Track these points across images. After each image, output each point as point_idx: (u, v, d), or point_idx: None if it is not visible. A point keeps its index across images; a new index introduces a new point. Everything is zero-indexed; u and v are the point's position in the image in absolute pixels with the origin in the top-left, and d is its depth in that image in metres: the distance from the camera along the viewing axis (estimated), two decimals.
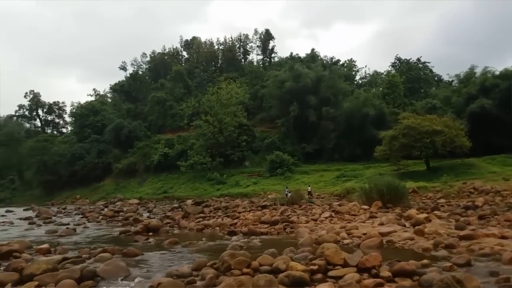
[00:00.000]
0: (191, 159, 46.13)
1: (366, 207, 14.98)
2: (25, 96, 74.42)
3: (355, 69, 69.85)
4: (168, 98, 62.36)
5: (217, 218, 16.06)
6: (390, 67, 61.46)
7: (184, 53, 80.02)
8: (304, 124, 45.63)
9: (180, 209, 21.29)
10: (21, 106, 75.83)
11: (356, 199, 16.45)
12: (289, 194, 23.78)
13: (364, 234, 9.55)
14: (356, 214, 14.03)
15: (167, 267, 7.08)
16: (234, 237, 11.01)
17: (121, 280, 6.18)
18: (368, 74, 70.46)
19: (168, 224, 15.22)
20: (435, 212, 13.41)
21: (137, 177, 53.42)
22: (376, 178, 18.82)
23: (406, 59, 60.07)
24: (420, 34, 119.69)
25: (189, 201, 27.69)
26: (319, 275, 5.74)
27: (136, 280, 6.05)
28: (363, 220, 12.55)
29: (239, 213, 17.15)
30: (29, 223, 18.42)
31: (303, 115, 45.24)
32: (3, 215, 25.02)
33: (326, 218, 13.66)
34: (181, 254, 8.66)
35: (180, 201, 31.94)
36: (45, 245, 9.24)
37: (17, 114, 77.29)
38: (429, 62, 60.61)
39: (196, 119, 48.50)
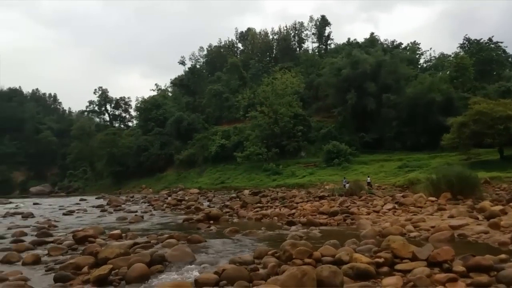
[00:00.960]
0: (247, 150, 46.78)
1: (433, 198, 14.10)
2: (94, 92, 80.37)
3: (419, 52, 65.38)
4: (224, 90, 63.62)
5: (274, 208, 16.14)
6: (459, 48, 56.70)
7: (239, 45, 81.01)
8: (363, 113, 44.01)
9: (238, 199, 21.76)
10: (91, 102, 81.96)
11: (422, 191, 15.53)
12: (347, 185, 23.17)
13: (433, 227, 8.98)
14: (422, 206, 13.27)
15: (230, 254, 7.26)
16: (293, 227, 10.98)
17: (188, 265, 6.45)
18: (434, 57, 65.67)
19: (227, 213, 15.61)
20: (511, 204, 12.25)
21: (196, 167, 55.50)
22: (445, 168, 17.60)
23: (476, 40, 54.93)
24: (491, 12, 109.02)
25: (246, 191, 28.14)
26: (385, 268, 5.50)
27: (201, 266, 6.27)
28: (431, 212, 11.82)
29: (297, 203, 17.07)
30: (101, 211, 19.98)
31: (361, 103, 43.60)
32: (77, 203, 27.42)
33: (389, 210, 13.10)
34: (242, 242, 8.83)
35: (237, 191, 32.61)
36: (117, 231, 9.96)
37: (87, 109, 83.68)
38: (501, 42, 54.70)
39: (251, 110, 48.89)
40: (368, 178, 26.69)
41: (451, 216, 10.63)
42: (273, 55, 73.56)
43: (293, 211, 14.57)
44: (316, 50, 71.69)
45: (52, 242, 9.42)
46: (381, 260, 5.61)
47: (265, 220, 13.38)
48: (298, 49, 73.16)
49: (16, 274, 6.09)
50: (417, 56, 64.05)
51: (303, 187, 33.23)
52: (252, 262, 6.19)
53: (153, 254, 6.58)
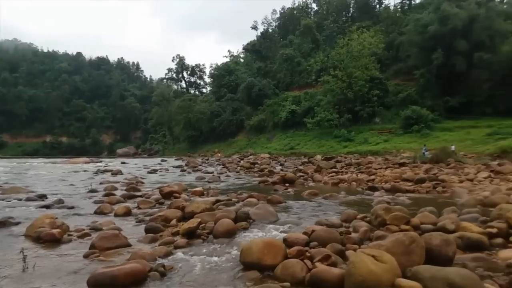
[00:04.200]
0: (317, 115, 45.68)
1: None
2: (172, 60, 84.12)
3: None
4: (296, 55, 62.02)
5: (351, 174, 15.46)
6: None
7: (314, 5, 77.51)
8: (450, 74, 39.82)
9: (311, 164, 21.33)
10: (169, 70, 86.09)
11: None
12: (427, 153, 21.53)
13: None
14: None
15: (313, 217, 6.97)
16: (377, 193, 10.30)
17: (271, 224, 6.31)
18: None
19: (302, 177, 15.32)
20: None
21: (266, 133, 56.02)
22: None
23: None
24: None
25: (318, 156, 27.61)
26: (499, 240, 4.76)
27: (286, 226, 6.09)
28: None
29: (375, 169, 16.16)
30: (181, 171, 21.10)
31: (448, 63, 39.36)
32: (159, 164, 29.39)
33: (485, 178, 11.69)
34: (324, 205, 8.48)
35: (307, 157, 32.15)
36: (199, 188, 10.25)
37: (166, 76, 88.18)
38: None
39: (324, 74, 47.06)
40: (453, 147, 24.36)
41: None
42: (350, 14, 69.22)
43: (372, 177, 13.78)
44: (398, 6, 65.52)
45: (140, 196, 10.01)
46: (494, 230, 4.86)
47: (342, 185, 12.84)
48: (378, 6, 67.68)
49: (110, 224, 6.47)
50: None
51: (376, 155, 31.63)
52: (340, 226, 5.83)
53: (237, 211, 6.56)
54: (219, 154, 52.37)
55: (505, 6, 53.27)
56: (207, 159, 35.82)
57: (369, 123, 44.84)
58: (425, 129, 37.14)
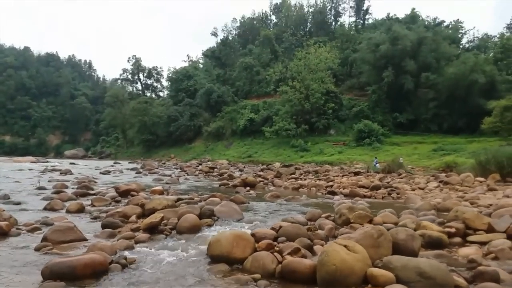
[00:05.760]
0: (276, 125, 46.27)
1: (481, 179, 13.27)
2: (128, 61, 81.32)
3: (462, 31, 61.59)
4: (256, 64, 62.68)
5: (311, 180, 15.74)
6: (505, 29, 53.08)
7: (273, 17, 79.02)
8: (399, 92, 42.24)
9: (271, 170, 21.47)
10: (124, 70, 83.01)
11: (468, 171, 14.65)
12: (378, 165, 22.56)
13: (490, 205, 8.33)
14: (470, 186, 12.49)
15: (278, 216, 6.96)
16: (336, 197, 10.55)
17: (236, 222, 6.19)
18: (477, 37, 61.75)
19: (262, 182, 15.34)
20: None
21: (224, 140, 55.73)
22: (496, 149, 16.59)
23: None
24: None
25: (277, 164, 27.87)
26: (457, 239, 5.01)
27: (252, 224, 6.01)
28: (482, 192, 11.07)
29: (333, 176, 16.59)
30: (136, 173, 20.28)
31: (398, 81, 41.79)
32: (112, 166, 28.10)
33: (435, 187, 12.42)
34: (286, 206, 8.51)
35: (266, 164, 32.36)
36: (158, 187, 9.88)
37: (121, 77, 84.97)
38: None
39: (282, 84, 47.93)
40: (401, 159, 25.72)
41: (506, 196, 9.90)
42: (308, 29, 71.34)
43: (331, 183, 14.13)
44: (353, 25, 68.77)
45: (93, 194, 9.45)
46: (453, 230, 5.12)
47: (303, 190, 13.01)
48: (334, 23, 70.52)
49: (62, 219, 6.03)
50: (459, 36, 60.35)
51: (331, 165, 32.62)
52: (306, 224, 5.86)
53: (202, 207, 6.37)
54: (174, 160, 51.20)
55: (450, 31, 57.96)
56: (164, 163, 34.86)
57: (325, 135, 46.20)
58: (376, 142, 38.85)
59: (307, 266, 3.60)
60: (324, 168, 23.09)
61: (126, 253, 4.22)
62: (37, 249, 4.35)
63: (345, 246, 3.52)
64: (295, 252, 4.12)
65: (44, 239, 4.63)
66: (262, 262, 3.85)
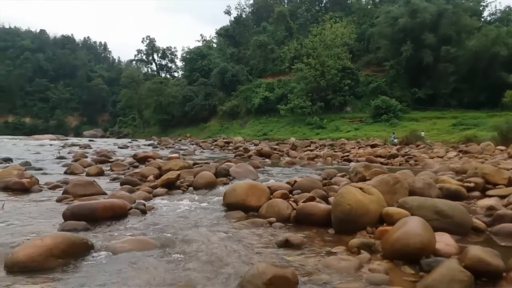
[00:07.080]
0: (291, 102, 45.88)
1: (502, 147, 12.94)
2: (142, 41, 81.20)
3: (484, 4, 58.84)
4: (270, 42, 61.75)
5: (326, 151, 15.65)
6: None
7: None
8: (418, 66, 41.03)
9: (286, 144, 21.45)
10: (139, 51, 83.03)
11: (489, 141, 14.31)
12: (396, 140, 22.27)
13: (511, 168, 8.14)
14: (490, 154, 12.21)
15: (294, 176, 6.97)
16: (352, 163, 10.47)
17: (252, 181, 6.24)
18: (499, 9, 58.95)
19: (277, 154, 15.33)
20: None
21: (239, 119, 55.75)
22: None
23: None
24: None
25: (293, 138, 27.77)
26: (476, 193, 4.92)
27: (270, 181, 6.04)
28: (502, 159, 10.81)
29: (349, 148, 16.46)
30: (153, 147, 20.58)
31: (417, 56, 40.53)
32: (129, 142, 28.62)
33: (454, 156, 12.18)
34: (302, 171, 8.52)
35: (281, 140, 32.30)
36: (175, 155, 10.02)
37: (136, 58, 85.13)
38: None
39: (297, 62, 47.18)
40: (422, 133, 25.28)
41: None
42: (323, 4, 69.54)
43: (347, 154, 14.02)
44: None
45: (112, 162, 9.64)
46: (472, 184, 5.03)
47: (318, 160, 12.97)
48: None
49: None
50: (481, 8, 57.74)
51: (348, 140, 32.32)
52: (321, 181, 5.85)
53: (217, 167, 6.44)
54: (190, 139, 51.67)
55: (471, 4, 55.56)
56: (180, 140, 35.25)
57: (341, 112, 45.61)
58: (393, 118, 38.19)
59: (321, 209, 3.62)
60: (341, 142, 22.87)
61: (145, 202, 4.31)
62: (59, 200, 4.50)
63: (360, 188, 3.51)
64: (310, 200, 4.14)
65: (65, 192, 4.78)
66: (277, 208, 3.89)
